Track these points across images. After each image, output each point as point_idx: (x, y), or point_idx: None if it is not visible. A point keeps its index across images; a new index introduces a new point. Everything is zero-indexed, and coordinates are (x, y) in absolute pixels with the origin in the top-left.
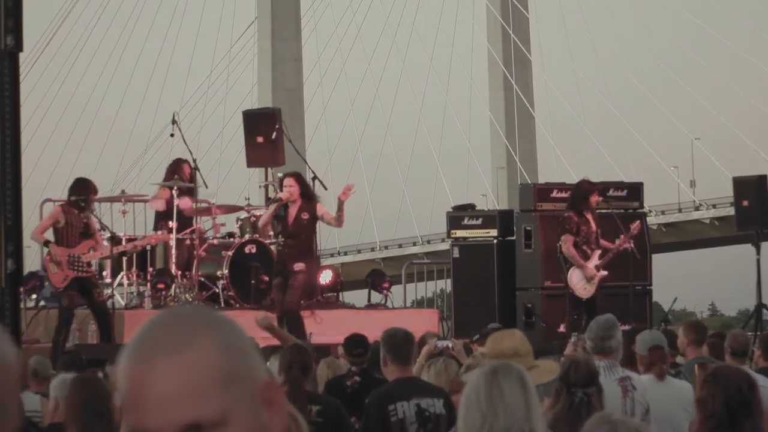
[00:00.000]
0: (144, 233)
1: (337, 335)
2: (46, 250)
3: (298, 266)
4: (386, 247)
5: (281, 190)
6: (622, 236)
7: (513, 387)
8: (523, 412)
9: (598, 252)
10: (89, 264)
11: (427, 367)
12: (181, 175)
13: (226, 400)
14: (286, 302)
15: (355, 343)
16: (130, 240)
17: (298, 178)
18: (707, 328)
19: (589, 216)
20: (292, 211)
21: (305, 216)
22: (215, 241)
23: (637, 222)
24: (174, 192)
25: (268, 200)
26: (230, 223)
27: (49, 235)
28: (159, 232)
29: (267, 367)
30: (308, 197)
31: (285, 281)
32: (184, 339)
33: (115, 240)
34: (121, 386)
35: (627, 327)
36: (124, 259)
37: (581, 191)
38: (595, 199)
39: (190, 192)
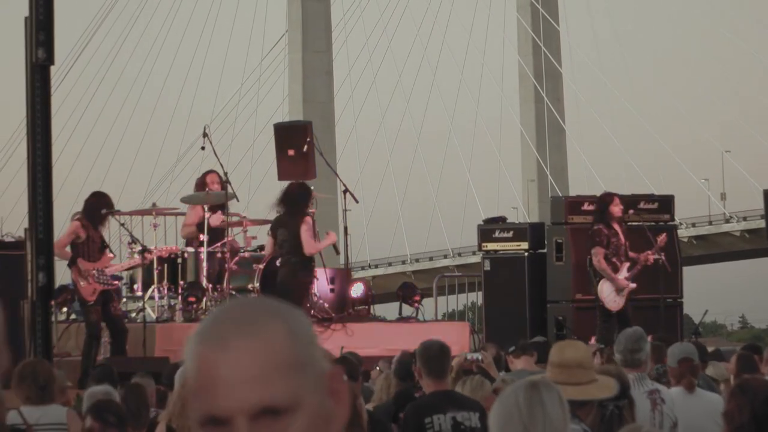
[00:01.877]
0: (176, 246)
1: (368, 348)
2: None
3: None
4: (417, 260)
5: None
6: (648, 251)
7: (554, 401)
8: (563, 427)
9: (627, 264)
10: (112, 277)
11: (462, 383)
12: (210, 186)
13: (297, 386)
14: None
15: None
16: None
17: None
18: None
19: (617, 228)
20: None
21: None
22: (246, 254)
23: (664, 234)
24: (204, 206)
25: None
26: (261, 236)
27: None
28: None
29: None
30: None
31: None
32: (255, 325)
33: (145, 253)
34: (192, 371)
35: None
36: (155, 272)
37: (601, 203)
38: (617, 208)
39: (222, 204)
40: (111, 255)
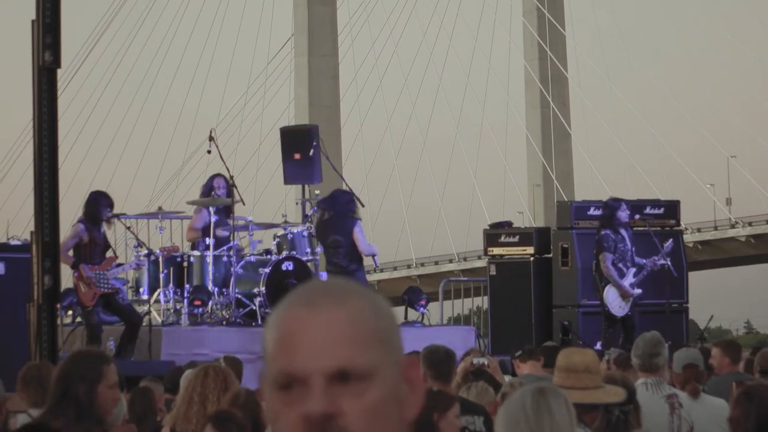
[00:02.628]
0: (181, 249)
1: None
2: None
3: None
4: (422, 265)
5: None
6: (651, 259)
7: (561, 408)
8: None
9: (633, 270)
10: (111, 280)
11: (467, 388)
12: (217, 190)
13: (376, 356)
14: None
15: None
16: (168, 258)
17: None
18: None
19: (624, 233)
20: None
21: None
22: (252, 258)
23: (670, 240)
24: (210, 209)
25: (305, 217)
26: (267, 240)
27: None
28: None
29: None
30: None
31: None
32: (341, 295)
33: (151, 256)
34: (274, 332)
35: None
36: (161, 275)
37: (609, 208)
38: (624, 214)
39: (228, 210)
40: (115, 257)
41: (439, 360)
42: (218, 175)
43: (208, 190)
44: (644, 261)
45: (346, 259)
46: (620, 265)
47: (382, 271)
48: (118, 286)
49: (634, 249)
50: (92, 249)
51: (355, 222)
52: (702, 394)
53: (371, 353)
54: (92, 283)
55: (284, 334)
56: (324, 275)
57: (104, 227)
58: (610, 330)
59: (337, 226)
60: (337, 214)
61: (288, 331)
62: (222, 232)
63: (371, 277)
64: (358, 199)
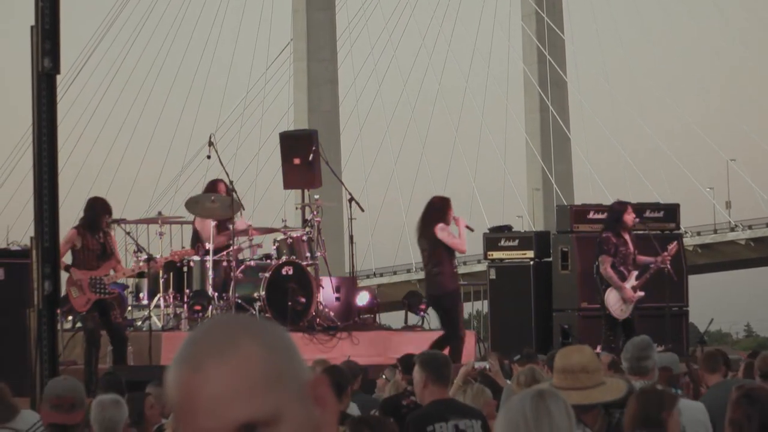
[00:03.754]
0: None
1: (374, 357)
2: (66, 274)
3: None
4: (422, 269)
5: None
6: (659, 257)
7: (561, 412)
8: None
9: (635, 273)
10: (108, 286)
11: (463, 392)
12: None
13: (276, 399)
14: None
15: (412, 363)
16: (167, 263)
17: None
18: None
19: (626, 237)
20: None
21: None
22: (252, 263)
23: (674, 242)
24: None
25: (305, 222)
26: (267, 245)
27: (67, 258)
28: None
29: (310, 367)
30: None
31: None
32: (229, 342)
33: (151, 261)
34: (173, 394)
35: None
36: (161, 280)
37: (614, 212)
38: (629, 217)
39: (228, 215)
40: (114, 262)
41: (440, 365)
42: (217, 181)
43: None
44: (650, 260)
45: (433, 265)
46: (621, 268)
47: (381, 275)
48: (118, 291)
49: (636, 252)
50: (86, 254)
51: (435, 225)
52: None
53: (270, 396)
54: (85, 288)
55: (182, 398)
56: (323, 279)
57: (102, 233)
58: (610, 333)
59: (424, 232)
60: (422, 220)
61: (184, 393)
62: (241, 225)
63: (372, 282)
64: (358, 204)
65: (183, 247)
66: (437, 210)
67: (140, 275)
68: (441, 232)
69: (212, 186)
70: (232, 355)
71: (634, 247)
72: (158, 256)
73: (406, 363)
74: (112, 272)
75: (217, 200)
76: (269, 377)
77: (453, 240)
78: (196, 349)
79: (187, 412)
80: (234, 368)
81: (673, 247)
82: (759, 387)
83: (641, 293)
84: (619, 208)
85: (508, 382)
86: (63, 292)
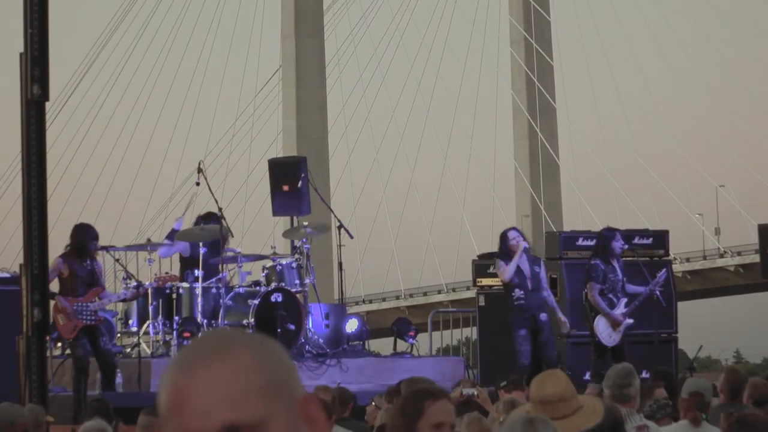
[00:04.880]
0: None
1: (363, 384)
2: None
3: (544, 316)
4: (411, 295)
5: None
6: (647, 288)
7: None
8: None
9: (624, 300)
10: (96, 313)
11: (460, 418)
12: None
13: (264, 407)
14: (548, 358)
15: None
16: (156, 290)
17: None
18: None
19: (615, 264)
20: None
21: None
22: (241, 290)
23: (663, 270)
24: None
25: (294, 249)
26: (256, 272)
27: (54, 286)
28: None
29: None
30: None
31: (533, 333)
32: (223, 350)
33: (140, 288)
34: (163, 398)
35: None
36: (150, 307)
37: (603, 239)
38: (618, 244)
39: (217, 246)
40: (100, 289)
41: None
42: (209, 215)
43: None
44: (641, 289)
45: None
46: (610, 295)
47: (371, 302)
48: (107, 317)
49: (624, 279)
50: (74, 282)
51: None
52: (704, 422)
53: (258, 404)
54: (71, 315)
55: (171, 399)
56: (312, 306)
57: (90, 260)
58: (599, 360)
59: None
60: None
61: (174, 395)
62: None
63: (361, 308)
64: (347, 230)
65: (167, 273)
66: None
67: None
68: None
69: (202, 220)
70: (224, 361)
71: (623, 274)
72: (146, 283)
73: (396, 391)
74: (97, 299)
75: (206, 229)
76: (259, 386)
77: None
78: (190, 354)
79: (175, 412)
80: (225, 373)
81: (661, 275)
82: (750, 414)
83: (630, 320)
84: (608, 234)
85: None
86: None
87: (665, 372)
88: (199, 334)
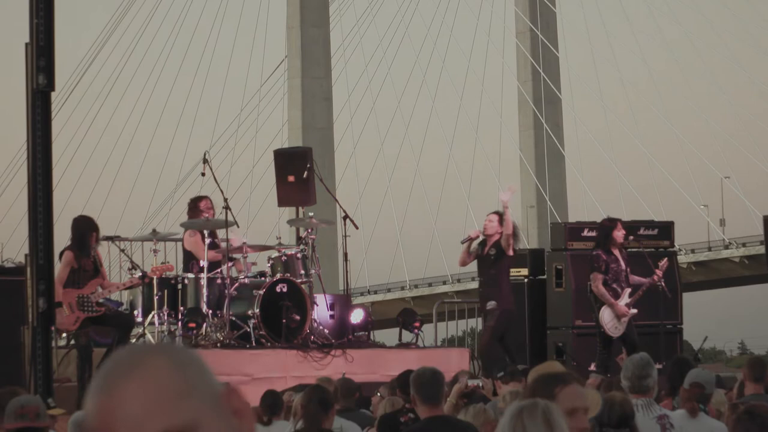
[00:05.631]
0: (176, 272)
1: (368, 374)
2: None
3: (490, 305)
4: (416, 286)
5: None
6: (654, 276)
7: (537, 426)
8: None
9: (629, 290)
10: (98, 303)
11: (466, 409)
12: (206, 212)
13: (190, 409)
14: (481, 343)
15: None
16: (162, 280)
17: (500, 215)
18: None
19: (617, 254)
20: (486, 248)
21: (492, 252)
22: (246, 280)
23: (665, 259)
24: (205, 232)
25: (299, 239)
26: (261, 262)
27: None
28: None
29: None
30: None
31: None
32: (135, 362)
33: (146, 279)
34: (90, 422)
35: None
36: (155, 298)
37: (604, 229)
38: (619, 233)
39: (216, 232)
40: (100, 279)
41: (425, 382)
42: (205, 197)
43: (194, 213)
44: (645, 280)
45: None
46: (614, 285)
47: (376, 292)
48: (112, 306)
49: (628, 269)
50: (81, 274)
51: None
52: (701, 414)
53: (183, 408)
54: (73, 307)
55: (97, 422)
56: (317, 297)
57: (93, 251)
58: (605, 351)
59: None
60: None
61: (99, 421)
62: (236, 242)
63: (366, 299)
64: (352, 221)
65: (163, 262)
66: None
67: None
68: None
69: (198, 204)
70: (139, 372)
71: (626, 264)
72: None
73: (403, 380)
74: (99, 289)
75: (211, 220)
76: (180, 389)
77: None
78: (107, 374)
79: None
80: (143, 383)
81: (663, 263)
82: (759, 405)
83: (634, 310)
84: (609, 224)
85: (491, 402)
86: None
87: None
88: (204, 325)
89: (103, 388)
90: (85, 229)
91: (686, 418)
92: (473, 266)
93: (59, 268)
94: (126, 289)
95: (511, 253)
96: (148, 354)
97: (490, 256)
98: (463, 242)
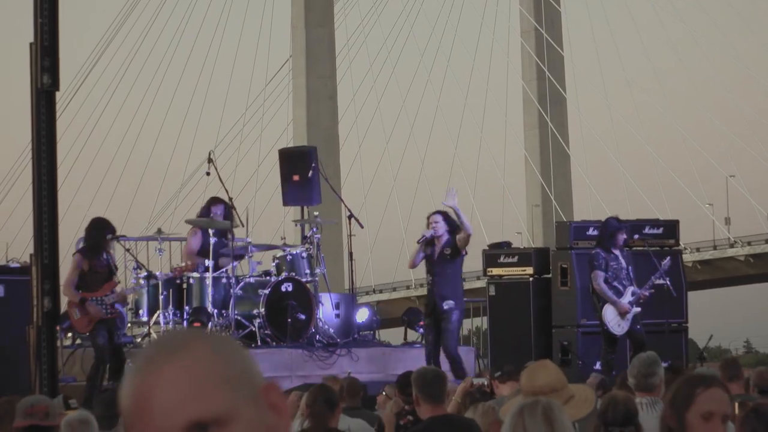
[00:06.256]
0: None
1: (373, 373)
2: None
3: (448, 304)
4: (422, 285)
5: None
6: (648, 283)
7: (537, 424)
8: None
9: (631, 288)
10: (113, 306)
11: (474, 408)
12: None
13: (227, 400)
14: (445, 347)
15: (409, 381)
16: (168, 280)
17: (445, 215)
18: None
19: (617, 253)
20: (437, 248)
21: (448, 251)
22: (252, 280)
23: (667, 258)
24: (210, 231)
25: (304, 238)
26: (266, 262)
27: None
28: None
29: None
30: (454, 233)
31: (435, 322)
32: (180, 346)
33: (150, 278)
34: (126, 402)
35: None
36: (161, 297)
37: (609, 229)
38: (622, 236)
39: (224, 232)
40: (115, 281)
41: (427, 382)
42: (217, 200)
43: (206, 214)
44: (639, 291)
45: None
46: (615, 284)
47: (381, 292)
48: (120, 310)
49: (630, 268)
50: (92, 277)
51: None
52: None
53: (221, 397)
54: (87, 309)
55: (134, 404)
56: (322, 296)
57: (106, 254)
58: (609, 350)
59: None
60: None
61: (136, 399)
62: (225, 261)
63: (371, 298)
64: (357, 220)
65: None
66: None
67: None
68: None
69: (210, 207)
70: (182, 357)
71: (627, 262)
72: (158, 273)
73: (403, 381)
74: (118, 289)
75: (214, 220)
76: (220, 378)
77: None
78: (148, 355)
79: (140, 416)
80: (185, 369)
81: (664, 263)
82: (765, 403)
83: (637, 309)
84: (616, 225)
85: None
86: (65, 308)
87: (677, 366)
88: (209, 324)
89: (142, 370)
90: (98, 231)
91: None
92: (478, 266)
93: (68, 270)
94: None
95: (465, 252)
96: (192, 339)
97: (446, 256)
98: (419, 242)
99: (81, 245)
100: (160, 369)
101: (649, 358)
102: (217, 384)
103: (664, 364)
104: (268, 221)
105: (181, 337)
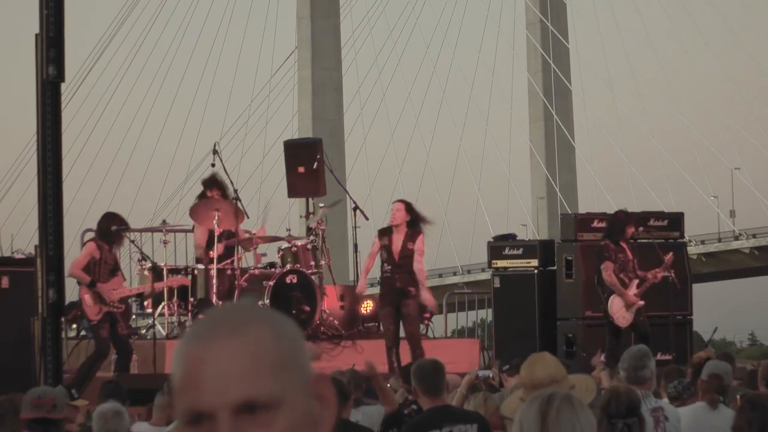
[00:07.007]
0: (186, 263)
1: (377, 365)
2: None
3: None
4: (426, 277)
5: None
6: (656, 269)
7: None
8: None
9: (636, 281)
10: (120, 300)
11: (468, 400)
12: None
13: (279, 384)
14: (410, 334)
15: None
16: (171, 270)
17: (408, 204)
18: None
19: (624, 245)
20: (397, 238)
21: (410, 245)
22: (256, 271)
23: (671, 253)
24: (214, 222)
25: (309, 230)
26: (271, 254)
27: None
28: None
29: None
30: (414, 225)
31: (395, 311)
32: (240, 324)
33: (156, 270)
34: (178, 369)
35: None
36: (165, 289)
37: (618, 222)
38: (631, 230)
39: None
40: (122, 278)
41: (426, 373)
42: (210, 182)
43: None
44: (649, 276)
45: None
46: (621, 275)
47: None
48: (122, 310)
49: (635, 260)
50: (101, 267)
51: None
52: (721, 405)
53: (275, 381)
54: (101, 296)
55: (187, 371)
56: (327, 287)
57: (115, 247)
58: (614, 341)
59: None
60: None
61: (190, 367)
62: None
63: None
64: (362, 212)
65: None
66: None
67: (139, 295)
68: None
69: (206, 192)
70: (241, 336)
71: (633, 255)
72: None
73: (406, 372)
74: (124, 284)
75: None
76: (275, 362)
77: None
78: (207, 327)
79: (191, 386)
80: (242, 348)
81: (668, 258)
82: (762, 394)
83: (641, 302)
84: (625, 218)
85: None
86: (68, 300)
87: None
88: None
89: (202, 338)
90: (112, 224)
91: (705, 409)
92: (482, 257)
93: (80, 253)
94: (138, 294)
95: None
96: (254, 318)
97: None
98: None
99: (88, 235)
100: (219, 342)
101: (640, 351)
102: (274, 367)
103: (667, 357)
104: (273, 213)
105: (242, 313)
